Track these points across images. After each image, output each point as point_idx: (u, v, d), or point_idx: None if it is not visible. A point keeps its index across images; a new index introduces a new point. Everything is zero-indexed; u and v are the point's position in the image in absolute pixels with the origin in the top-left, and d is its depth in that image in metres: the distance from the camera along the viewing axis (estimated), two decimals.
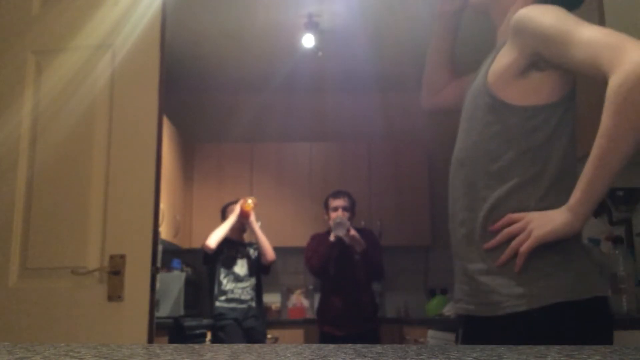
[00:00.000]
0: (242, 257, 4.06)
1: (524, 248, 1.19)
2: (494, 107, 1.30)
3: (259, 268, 4.10)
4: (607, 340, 1.24)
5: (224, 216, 4.17)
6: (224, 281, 3.94)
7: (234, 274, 3.97)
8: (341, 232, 3.60)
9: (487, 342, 1.27)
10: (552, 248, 1.20)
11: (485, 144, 1.31)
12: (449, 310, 3.99)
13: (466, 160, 1.35)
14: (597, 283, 1.23)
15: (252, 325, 3.88)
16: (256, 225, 4.08)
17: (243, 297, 3.93)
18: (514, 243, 1.21)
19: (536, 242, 1.18)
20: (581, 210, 1.16)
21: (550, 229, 1.18)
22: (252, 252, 4.12)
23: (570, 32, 1.18)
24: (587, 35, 1.16)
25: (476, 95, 1.35)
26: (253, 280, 4.03)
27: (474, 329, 1.33)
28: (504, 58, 1.30)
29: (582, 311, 1.19)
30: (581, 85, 2.31)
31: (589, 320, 1.20)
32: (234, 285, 3.94)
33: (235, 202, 4.17)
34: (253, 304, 3.96)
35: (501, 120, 1.28)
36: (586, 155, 2.34)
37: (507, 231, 1.23)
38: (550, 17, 1.22)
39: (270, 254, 4.07)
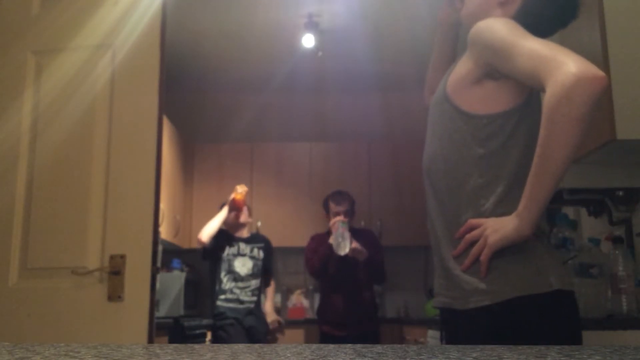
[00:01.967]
0: (243, 255, 3.85)
1: (483, 256, 1.25)
2: (451, 114, 1.35)
3: (265, 270, 3.93)
4: (573, 333, 1.27)
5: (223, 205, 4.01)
6: (224, 280, 3.78)
7: (234, 272, 3.79)
8: (343, 252, 3.46)
9: (459, 334, 1.32)
10: (512, 246, 1.25)
11: (444, 150, 1.37)
12: None
13: (431, 165, 1.42)
14: (557, 278, 1.26)
15: (252, 324, 3.76)
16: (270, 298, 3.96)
17: (242, 298, 3.76)
18: (473, 250, 1.27)
19: (491, 250, 1.25)
20: (527, 216, 1.21)
21: (501, 236, 1.24)
22: (257, 252, 3.91)
23: (515, 44, 1.23)
24: (528, 48, 1.21)
25: (437, 103, 1.42)
26: (256, 283, 3.85)
27: (451, 321, 1.39)
28: (461, 68, 1.36)
29: (543, 305, 1.24)
30: None
31: (550, 314, 1.24)
32: (234, 284, 3.77)
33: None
34: (253, 305, 3.79)
35: (458, 127, 1.33)
36: (587, 155, 2.34)
37: (467, 237, 1.29)
38: (500, 30, 1.28)
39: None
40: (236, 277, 3.78)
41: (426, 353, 0.61)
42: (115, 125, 2.17)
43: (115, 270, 2.04)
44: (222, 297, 3.76)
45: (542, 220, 1.32)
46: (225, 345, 0.74)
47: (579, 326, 1.29)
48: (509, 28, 1.27)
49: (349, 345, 0.70)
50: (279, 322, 3.90)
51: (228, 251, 3.84)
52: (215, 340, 3.80)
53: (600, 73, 1.13)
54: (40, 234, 2.15)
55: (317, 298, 4.15)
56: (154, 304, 2.05)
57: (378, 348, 0.67)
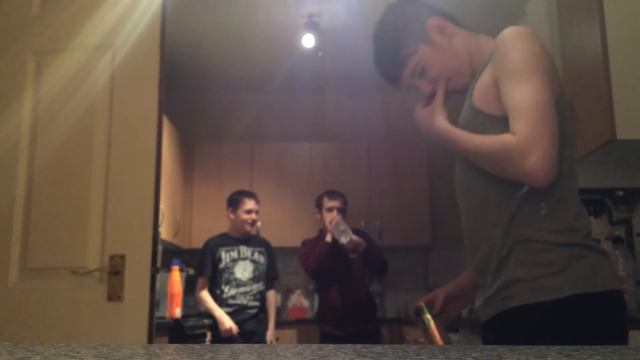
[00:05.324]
0: (243, 259, 3.71)
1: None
2: (479, 120, 1.35)
3: (267, 275, 3.78)
4: (622, 333, 1.27)
5: (230, 205, 3.78)
6: (225, 289, 3.64)
7: (235, 280, 3.65)
8: (345, 239, 3.48)
9: (508, 334, 1.28)
10: (566, 244, 1.25)
11: None
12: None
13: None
14: (611, 277, 1.27)
15: (252, 329, 3.61)
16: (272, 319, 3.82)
17: (245, 302, 3.62)
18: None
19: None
20: (445, 133, 1.37)
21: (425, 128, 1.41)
22: (258, 256, 3.76)
23: (524, 78, 1.25)
24: (530, 94, 1.24)
25: (468, 120, 1.41)
26: (258, 286, 3.70)
27: (493, 330, 1.35)
28: (483, 81, 1.36)
29: (598, 304, 1.23)
30: (581, 90, 2.31)
31: (604, 313, 1.24)
32: (236, 291, 3.63)
33: (242, 192, 3.83)
34: (256, 310, 3.65)
35: (490, 128, 1.32)
36: (587, 155, 2.34)
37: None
38: (519, 52, 1.29)
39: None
40: (238, 283, 3.65)
41: (426, 353, 0.61)
42: (115, 125, 2.17)
43: (115, 270, 2.04)
44: (223, 304, 3.62)
45: (586, 220, 1.33)
46: (225, 345, 0.74)
47: (627, 326, 1.29)
48: (525, 53, 1.28)
49: (349, 345, 0.70)
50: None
51: (227, 259, 3.69)
52: (214, 341, 3.71)
53: (546, 178, 1.20)
54: (40, 234, 2.15)
55: (317, 298, 4.14)
56: (154, 304, 2.05)
57: (378, 348, 0.67)
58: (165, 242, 4.43)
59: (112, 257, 2.06)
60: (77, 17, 2.27)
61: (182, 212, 5.03)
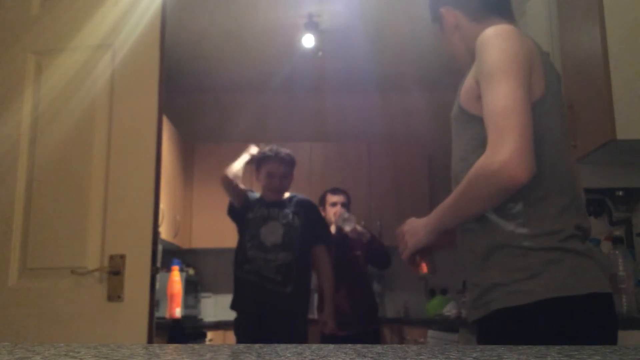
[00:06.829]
0: (273, 219, 3.03)
1: (403, 257, 1.47)
2: (468, 122, 1.35)
3: (304, 241, 3.05)
4: (610, 337, 1.25)
5: (256, 167, 3.27)
6: (248, 246, 3.00)
7: (258, 239, 2.99)
8: (350, 226, 3.56)
9: (490, 338, 1.28)
10: (542, 248, 1.24)
11: (470, 159, 1.35)
12: (449, 310, 3.99)
13: (459, 176, 1.41)
14: (594, 279, 1.25)
15: (272, 309, 2.96)
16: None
17: (264, 273, 2.94)
18: (401, 254, 1.48)
19: (410, 251, 1.44)
20: (436, 226, 1.38)
21: (416, 241, 1.43)
22: (292, 217, 3.06)
23: (494, 80, 1.25)
24: (498, 97, 1.23)
25: (455, 117, 1.42)
26: (285, 257, 2.96)
27: (482, 331, 1.36)
28: (468, 80, 1.37)
29: (578, 307, 1.21)
30: (581, 90, 2.31)
31: (586, 317, 1.22)
32: (256, 253, 2.97)
33: (266, 152, 3.30)
34: (280, 288, 2.92)
35: (478, 133, 1.31)
36: (587, 155, 2.34)
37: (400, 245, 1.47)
38: (492, 53, 1.29)
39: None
40: (261, 246, 2.97)
41: (426, 353, 0.61)
42: (115, 126, 2.17)
43: (115, 270, 2.04)
44: (246, 266, 3.00)
45: (584, 219, 1.33)
46: (226, 345, 0.74)
47: (614, 329, 1.27)
48: (504, 56, 1.27)
49: (349, 345, 0.70)
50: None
51: (255, 214, 3.07)
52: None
53: (522, 173, 1.17)
54: (40, 234, 2.14)
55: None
56: (153, 304, 2.05)
57: (378, 348, 0.67)
58: (165, 242, 4.43)
59: (112, 257, 2.06)
60: (77, 17, 2.27)
61: (182, 212, 5.03)
